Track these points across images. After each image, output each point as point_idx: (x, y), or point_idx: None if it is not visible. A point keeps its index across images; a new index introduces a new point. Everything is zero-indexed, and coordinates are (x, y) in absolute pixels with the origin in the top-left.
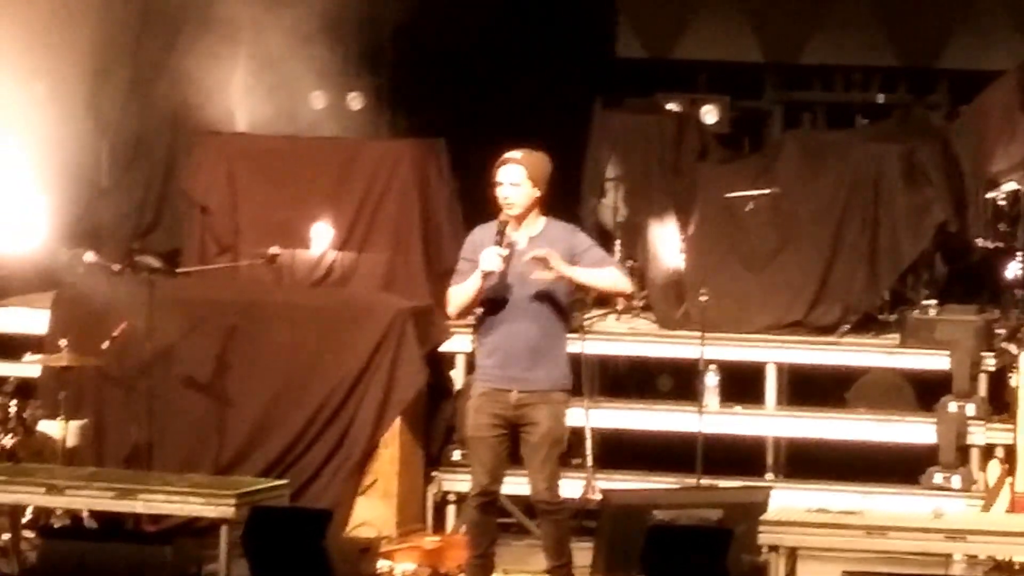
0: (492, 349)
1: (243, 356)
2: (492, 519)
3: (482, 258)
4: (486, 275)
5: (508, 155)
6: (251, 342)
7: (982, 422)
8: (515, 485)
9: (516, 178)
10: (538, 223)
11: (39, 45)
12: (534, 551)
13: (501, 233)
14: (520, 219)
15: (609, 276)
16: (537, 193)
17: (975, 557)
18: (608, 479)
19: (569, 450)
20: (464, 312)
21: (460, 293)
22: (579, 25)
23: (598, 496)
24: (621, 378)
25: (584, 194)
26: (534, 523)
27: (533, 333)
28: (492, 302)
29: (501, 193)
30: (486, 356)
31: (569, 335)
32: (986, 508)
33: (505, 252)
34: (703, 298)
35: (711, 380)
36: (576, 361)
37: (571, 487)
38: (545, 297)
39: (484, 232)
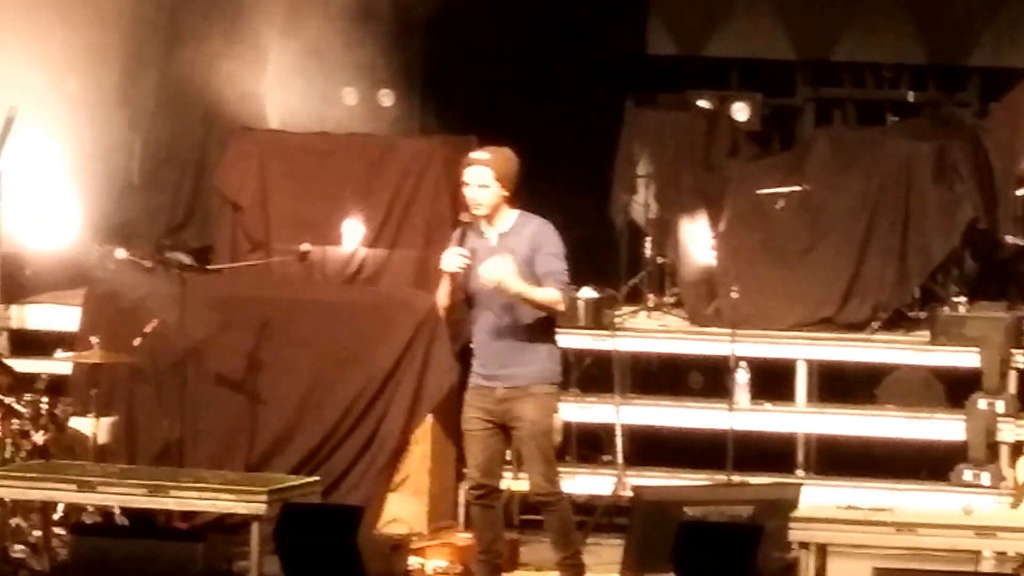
0: (476, 346)
1: (274, 353)
2: (492, 513)
3: (442, 259)
4: (452, 275)
5: (474, 155)
6: (282, 339)
7: (1011, 419)
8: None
9: (484, 179)
10: (508, 219)
11: (72, 42)
12: None
13: (462, 234)
14: (490, 218)
15: (547, 295)
16: (505, 192)
17: (1004, 553)
18: (639, 476)
19: (563, 444)
20: (448, 311)
21: (438, 293)
22: (610, 22)
23: (629, 493)
24: (652, 375)
25: (615, 191)
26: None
27: (510, 329)
28: (472, 300)
29: (469, 194)
30: (474, 354)
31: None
32: (1015, 505)
33: (466, 253)
34: (734, 295)
35: (741, 377)
36: (607, 358)
37: (602, 484)
38: None
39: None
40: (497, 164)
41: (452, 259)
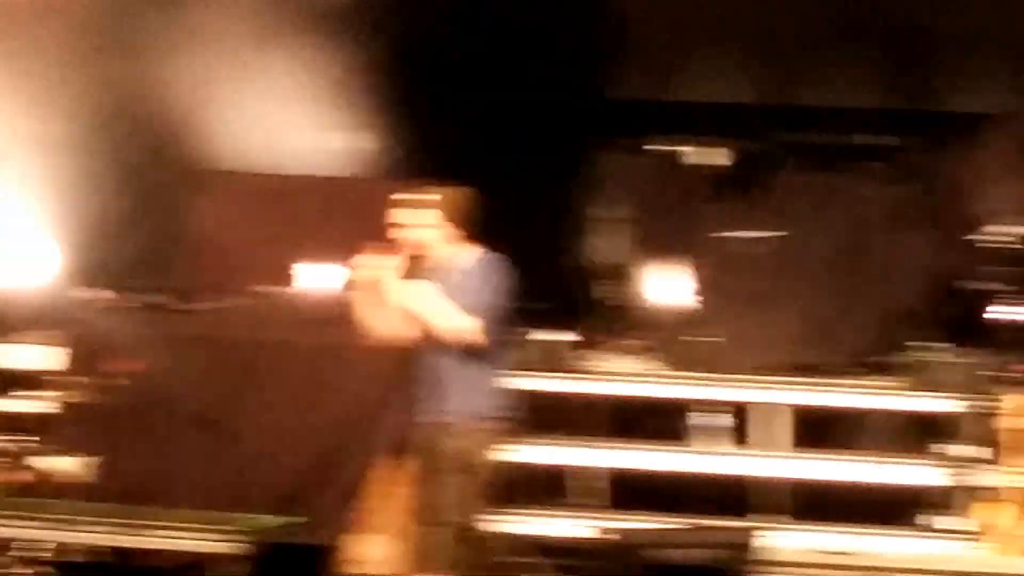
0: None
1: (252, 393)
2: (462, 552)
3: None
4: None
5: (420, 197)
6: (260, 379)
7: (987, 465)
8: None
9: (431, 220)
10: (467, 256)
11: (47, 85)
12: None
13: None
14: (444, 256)
15: (460, 320)
16: (457, 231)
17: None
18: (603, 519)
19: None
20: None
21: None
22: (573, 66)
23: (591, 534)
24: (616, 418)
25: (576, 234)
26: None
27: (440, 364)
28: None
29: (413, 235)
30: None
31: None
32: (1003, 551)
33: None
34: (704, 339)
35: (715, 420)
36: (569, 400)
37: (561, 525)
38: None
39: None
40: (443, 204)
41: (362, 270)
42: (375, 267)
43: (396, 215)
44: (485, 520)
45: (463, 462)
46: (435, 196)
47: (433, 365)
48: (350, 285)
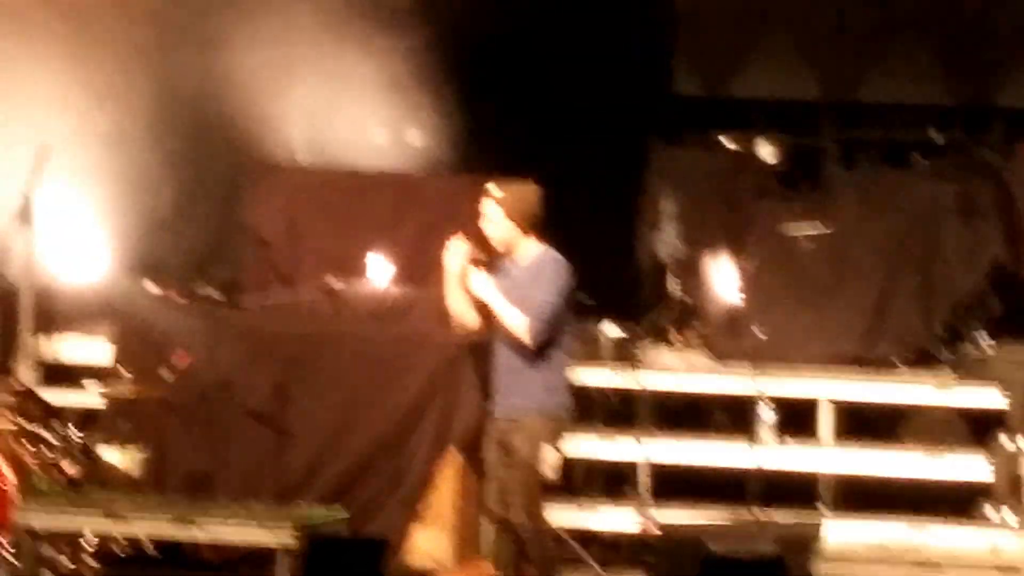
0: (493, 376)
1: (303, 387)
2: (512, 545)
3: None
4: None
5: (488, 188)
6: (311, 373)
7: None
8: (568, 515)
9: (492, 214)
10: (529, 253)
11: (103, 79)
12: None
13: (490, 264)
14: (508, 250)
15: (511, 317)
16: (517, 228)
17: None
18: (663, 511)
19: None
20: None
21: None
22: (637, 62)
23: (654, 529)
24: (676, 412)
25: (640, 229)
26: (588, 554)
27: (508, 360)
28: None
29: (482, 225)
30: None
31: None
32: None
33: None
34: (758, 333)
35: (765, 414)
36: (630, 394)
37: (625, 519)
38: None
39: None
40: (506, 200)
41: (452, 256)
42: (461, 256)
43: (483, 206)
44: (546, 514)
45: (525, 457)
46: (501, 192)
47: (499, 359)
48: (442, 272)
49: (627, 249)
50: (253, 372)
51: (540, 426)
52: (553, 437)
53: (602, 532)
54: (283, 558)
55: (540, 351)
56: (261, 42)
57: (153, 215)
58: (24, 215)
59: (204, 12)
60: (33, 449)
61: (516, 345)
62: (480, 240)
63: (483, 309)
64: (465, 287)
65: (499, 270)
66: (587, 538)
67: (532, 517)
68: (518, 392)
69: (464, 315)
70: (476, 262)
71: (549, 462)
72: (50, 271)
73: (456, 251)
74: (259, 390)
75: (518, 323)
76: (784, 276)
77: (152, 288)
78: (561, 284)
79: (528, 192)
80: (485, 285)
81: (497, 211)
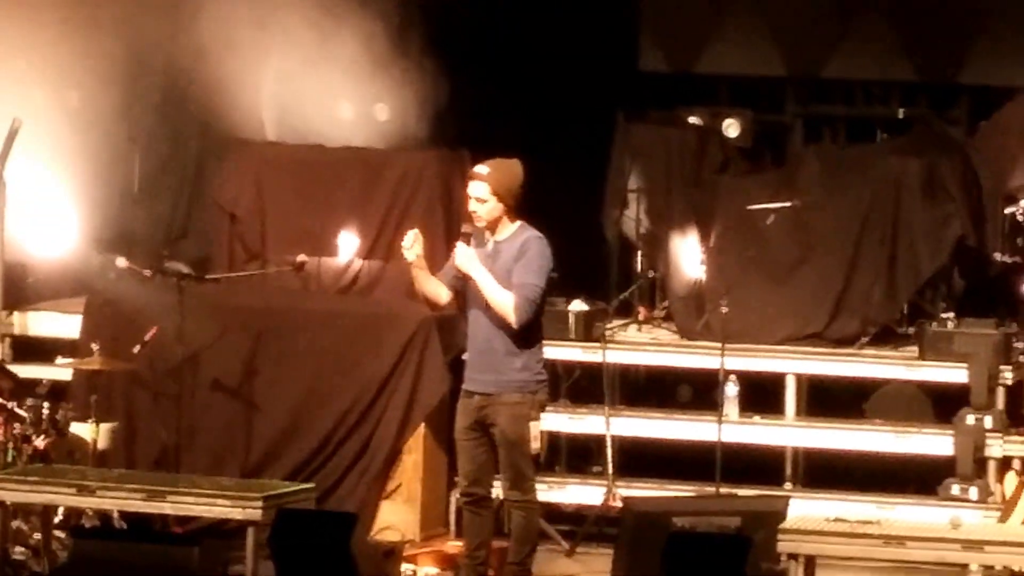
0: (466, 354)
1: (270, 362)
2: (480, 520)
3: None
4: (414, 265)
5: (475, 170)
6: (278, 348)
7: (999, 434)
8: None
9: (482, 194)
10: (508, 229)
11: (73, 54)
12: (554, 556)
13: (466, 242)
14: (491, 229)
15: (500, 297)
16: (504, 205)
17: (991, 568)
18: (628, 487)
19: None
20: (432, 304)
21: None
22: (602, 39)
23: (619, 503)
24: (642, 388)
25: (606, 205)
26: (554, 529)
27: (488, 336)
28: (465, 307)
29: (471, 207)
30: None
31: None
32: (1003, 519)
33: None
34: (723, 309)
35: (731, 390)
36: (597, 370)
37: (591, 494)
38: None
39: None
40: (494, 179)
41: (408, 250)
42: (417, 247)
43: (468, 187)
44: (517, 488)
45: (511, 435)
46: (487, 168)
47: (476, 335)
48: (405, 251)
49: (593, 225)
50: (221, 346)
51: (522, 403)
52: (535, 413)
53: (568, 507)
54: (252, 531)
55: (517, 328)
56: (231, 18)
57: (122, 190)
58: None
59: None
60: (3, 422)
61: (498, 322)
62: (454, 214)
63: (456, 285)
64: (425, 272)
65: (481, 246)
66: (553, 513)
67: (520, 489)
68: (496, 369)
69: (433, 294)
70: (463, 236)
71: (534, 435)
72: (20, 246)
73: (411, 243)
74: (227, 364)
75: (505, 302)
76: (749, 252)
77: (121, 263)
78: (545, 265)
79: (513, 169)
80: (471, 261)
81: (484, 188)
